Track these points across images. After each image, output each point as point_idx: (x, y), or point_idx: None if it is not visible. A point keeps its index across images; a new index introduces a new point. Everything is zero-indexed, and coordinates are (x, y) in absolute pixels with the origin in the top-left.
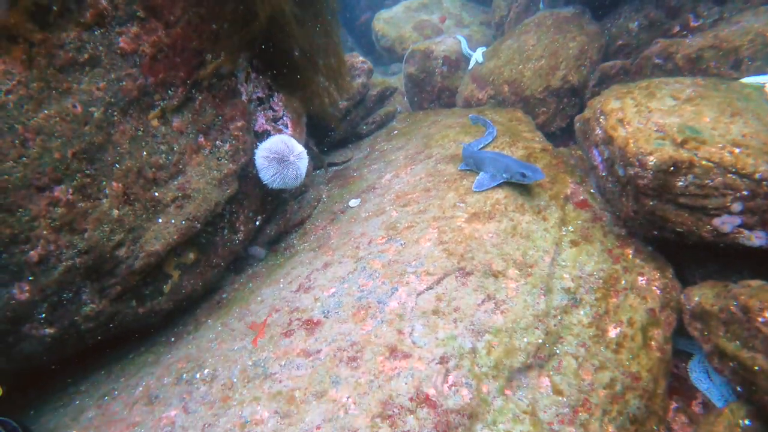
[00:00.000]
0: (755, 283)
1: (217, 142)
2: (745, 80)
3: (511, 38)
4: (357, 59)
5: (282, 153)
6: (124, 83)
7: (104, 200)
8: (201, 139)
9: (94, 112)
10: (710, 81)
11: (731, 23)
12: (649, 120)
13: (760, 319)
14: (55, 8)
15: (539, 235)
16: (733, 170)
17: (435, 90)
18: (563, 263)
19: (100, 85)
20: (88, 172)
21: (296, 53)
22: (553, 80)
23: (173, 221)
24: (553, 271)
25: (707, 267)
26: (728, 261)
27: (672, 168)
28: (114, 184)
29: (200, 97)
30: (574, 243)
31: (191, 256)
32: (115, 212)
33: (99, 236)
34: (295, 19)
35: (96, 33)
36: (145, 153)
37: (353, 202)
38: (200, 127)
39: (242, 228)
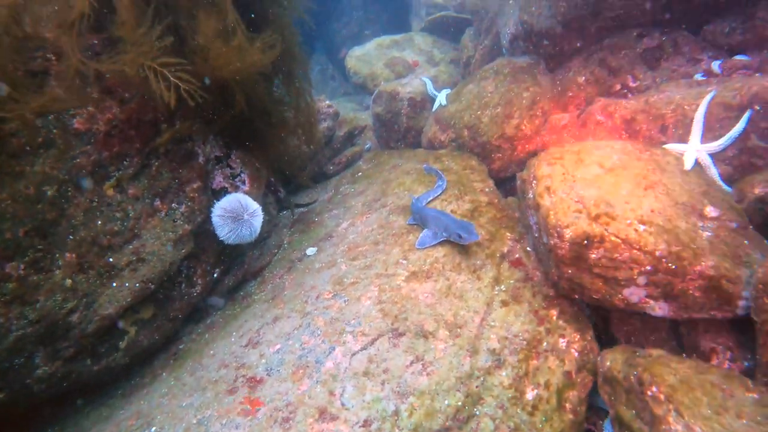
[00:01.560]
0: (656, 353)
1: (173, 204)
2: (668, 146)
3: (472, 83)
4: (323, 104)
5: (237, 212)
6: (78, 160)
7: (57, 271)
8: (157, 202)
9: (47, 191)
10: (637, 146)
11: (660, 91)
12: (572, 190)
13: (648, 393)
14: (10, 98)
15: (472, 295)
16: (637, 247)
17: (401, 130)
18: (492, 323)
19: (55, 164)
20: (40, 247)
21: (261, 119)
22: (507, 128)
23: (127, 284)
24: (481, 331)
25: (631, 324)
26: (648, 320)
27: (585, 241)
28: (68, 255)
29: (156, 163)
30: (504, 303)
31: (148, 311)
32: (68, 281)
33: (51, 305)
34: (266, 93)
35: (50, 117)
36: (99, 222)
37: (310, 251)
38: (156, 191)
39: (200, 281)
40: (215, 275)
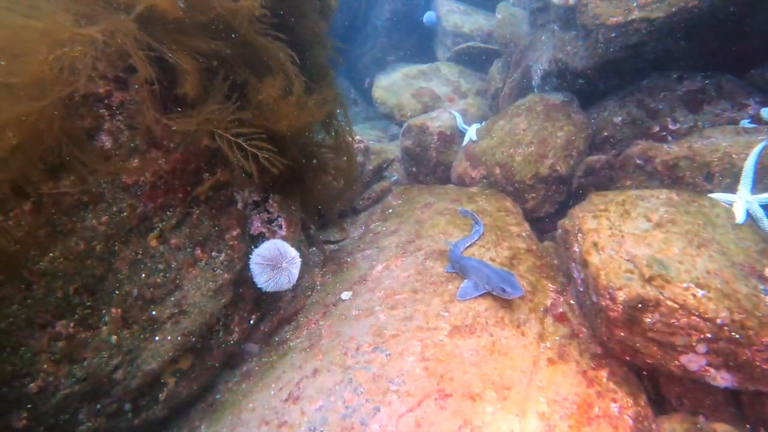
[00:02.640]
0: (721, 428)
1: (213, 252)
2: (715, 196)
3: (503, 119)
4: (354, 138)
5: (275, 259)
6: (125, 214)
7: (103, 327)
8: (198, 251)
9: (96, 246)
10: (683, 197)
11: (703, 136)
12: (621, 247)
13: None
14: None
15: (517, 353)
16: (696, 313)
17: (430, 164)
18: (540, 384)
19: (102, 219)
20: (89, 303)
21: (304, 163)
22: (541, 168)
23: (169, 338)
24: (529, 393)
25: (684, 385)
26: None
27: (640, 305)
28: (113, 310)
29: (197, 212)
30: (551, 362)
31: (187, 361)
32: (114, 338)
33: (97, 363)
34: (311, 138)
35: (102, 173)
36: (143, 275)
37: (345, 295)
38: (197, 240)
39: (237, 329)
40: (251, 322)
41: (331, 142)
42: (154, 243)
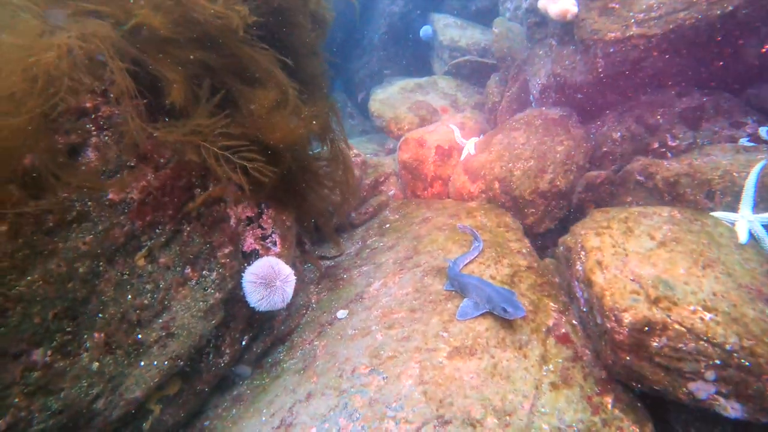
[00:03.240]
0: None
1: (204, 271)
2: (717, 215)
3: (501, 133)
4: (351, 152)
5: (269, 277)
6: (111, 232)
7: (84, 354)
8: (188, 270)
9: (78, 267)
10: (686, 214)
11: (704, 153)
12: (626, 266)
13: None
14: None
15: (519, 376)
16: (705, 338)
17: (428, 178)
18: (543, 410)
19: (87, 239)
20: (69, 329)
21: (299, 176)
22: (541, 183)
23: (156, 363)
24: (532, 420)
25: (691, 412)
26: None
27: (647, 328)
28: (96, 334)
29: (188, 229)
30: (554, 386)
31: (174, 387)
32: (96, 365)
33: (76, 393)
34: (305, 151)
35: (85, 190)
36: (130, 296)
37: (341, 314)
38: (187, 258)
39: (228, 350)
40: (243, 342)
41: (327, 154)
42: (141, 262)
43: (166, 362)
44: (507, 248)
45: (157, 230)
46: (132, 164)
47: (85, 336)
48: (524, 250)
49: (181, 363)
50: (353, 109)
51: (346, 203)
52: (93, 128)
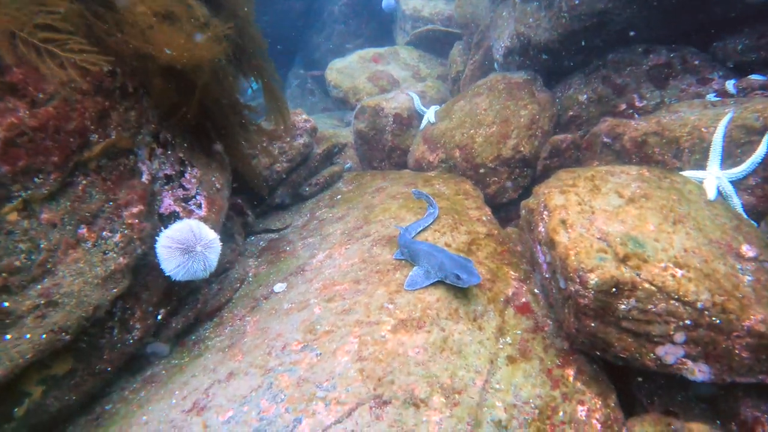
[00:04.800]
0: (697, 428)
1: (104, 232)
2: (686, 173)
3: (463, 99)
4: (299, 117)
5: (188, 242)
6: None
7: None
8: (82, 230)
9: None
10: (654, 172)
11: (671, 111)
12: (593, 224)
13: None
14: None
15: (473, 350)
16: (676, 297)
17: (385, 148)
18: (497, 386)
19: None
20: None
21: (222, 117)
22: (504, 149)
23: (28, 336)
24: (484, 398)
25: (655, 381)
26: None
27: (614, 289)
28: None
29: (84, 182)
30: (511, 360)
31: (64, 366)
32: None
33: None
34: (222, 82)
35: None
36: None
37: (278, 287)
38: (82, 216)
39: (138, 325)
40: (159, 317)
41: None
42: (13, 216)
43: (44, 335)
44: (465, 215)
45: (36, 179)
46: None
47: None
48: (484, 218)
49: (67, 337)
50: (314, 86)
51: (277, 138)
52: None
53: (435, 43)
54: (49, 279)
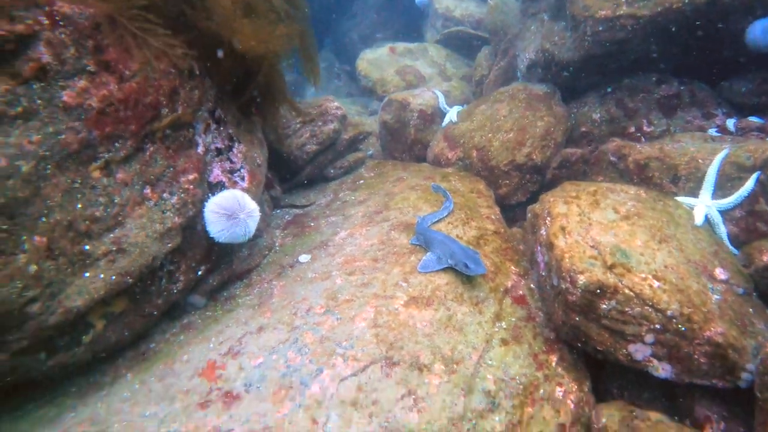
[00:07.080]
0: (655, 416)
1: (165, 194)
2: (680, 199)
3: (485, 104)
4: (331, 104)
5: (232, 210)
6: (63, 136)
7: (21, 255)
8: (147, 190)
9: (21, 165)
10: (650, 194)
11: (675, 140)
12: (588, 233)
13: None
14: None
15: (472, 329)
16: (650, 304)
17: (408, 141)
18: (489, 362)
19: (34, 138)
20: (4, 227)
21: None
22: (518, 155)
23: (102, 276)
24: (478, 370)
25: (626, 377)
26: (644, 375)
27: (598, 291)
28: (36, 238)
29: (151, 149)
30: (504, 342)
31: (120, 305)
32: (33, 267)
33: (7, 292)
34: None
35: (34, 87)
36: (80, 205)
37: (303, 258)
38: (148, 178)
39: (182, 278)
40: (199, 273)
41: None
42: (96, 174)
43: (113, 276)
44: (477, 212)
45: (117, 144)
46: (93, 70)
47: (24, 237)
48: (493, 216)
49: (130, 280)
50: (341, 71)
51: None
52: (47, 21)
53: (463, 44)
54: (119, 230)
